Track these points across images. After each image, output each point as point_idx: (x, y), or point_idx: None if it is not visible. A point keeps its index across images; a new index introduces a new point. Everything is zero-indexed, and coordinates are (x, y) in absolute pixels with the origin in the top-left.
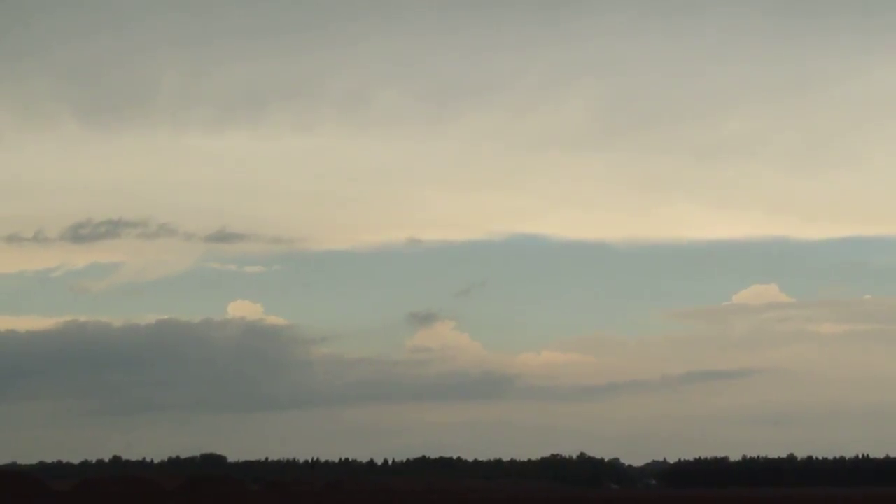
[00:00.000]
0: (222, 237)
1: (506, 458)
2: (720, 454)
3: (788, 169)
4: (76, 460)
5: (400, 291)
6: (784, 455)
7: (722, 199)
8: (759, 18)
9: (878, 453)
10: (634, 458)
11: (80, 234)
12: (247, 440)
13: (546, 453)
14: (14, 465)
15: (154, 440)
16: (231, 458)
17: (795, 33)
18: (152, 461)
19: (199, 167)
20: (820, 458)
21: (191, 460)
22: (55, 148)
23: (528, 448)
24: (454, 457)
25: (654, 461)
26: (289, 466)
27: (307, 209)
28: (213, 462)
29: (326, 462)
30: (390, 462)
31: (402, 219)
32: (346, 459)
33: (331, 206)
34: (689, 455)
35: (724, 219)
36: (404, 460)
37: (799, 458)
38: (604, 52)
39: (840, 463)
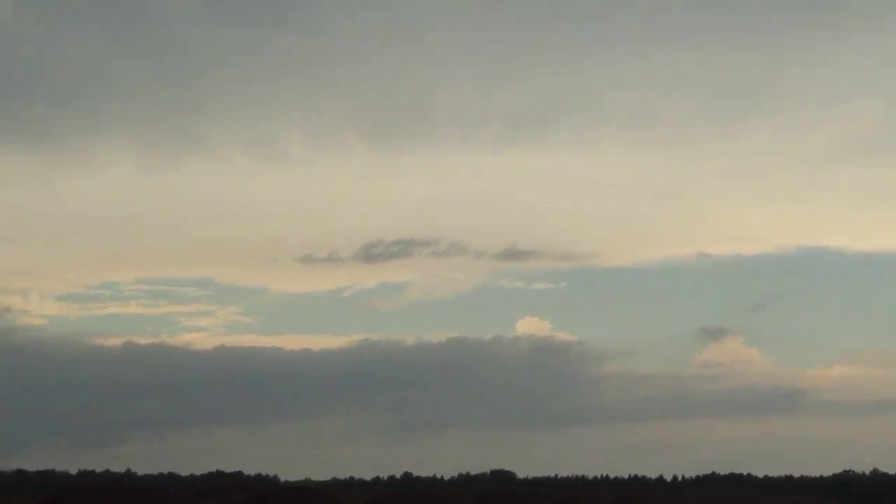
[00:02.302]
0: (512, 255)
1: (797, 475)
2: None
3: None
4: (368, 476)
5: (689, 306)
6: None
7: None
8: None
9: None
10: None
11: (372, 253)
12: (536, 456)
13: (838, 469)
14: (308, 480)
15: (444, 457)
16: (520, 475)
17: None
18: (442, 477)
19: (487, 185)
20: None
21: (480, 477)
22: (344, 168)
23: (819, 464)
24: (744, 472)
25: None
26: (578, 483)
27: (594, 225)
28: (502, 478)
29: (616, 478)
30: (679, 478)
31: (691, 233)
32: (636, 475)
33: (618, 221)
34: None
35: None
36: (694, 476)
37: None
38: (892, 63)
39: None
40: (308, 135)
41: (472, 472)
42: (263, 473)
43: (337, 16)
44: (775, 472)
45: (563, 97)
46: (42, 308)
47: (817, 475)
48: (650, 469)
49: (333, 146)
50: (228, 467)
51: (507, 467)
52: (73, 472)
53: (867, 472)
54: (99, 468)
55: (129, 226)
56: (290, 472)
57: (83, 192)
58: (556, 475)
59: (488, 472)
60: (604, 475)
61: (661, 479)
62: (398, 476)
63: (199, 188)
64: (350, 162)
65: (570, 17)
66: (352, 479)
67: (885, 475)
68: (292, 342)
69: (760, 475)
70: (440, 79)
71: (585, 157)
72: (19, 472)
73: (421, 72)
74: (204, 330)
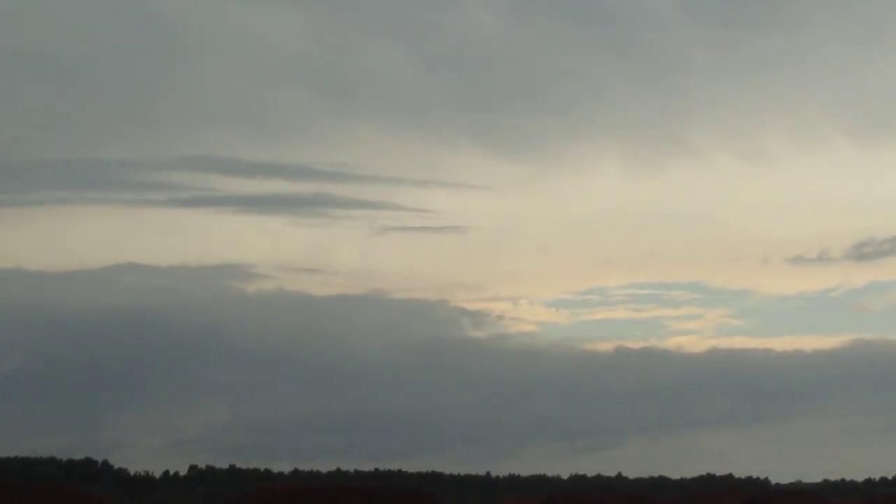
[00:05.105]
0: None
1: None
2: None
3: None
4: (860, 478)
5: None
6: None
7: None
8: None
9: None
10: None
11: (863, 252)
12: None
13: None
14: (799, 483)
15: None
16: None
17: None
18: None
19: None
20: None
21: None
22: (830, 166)
23: None
24: None
25: None
26: None
27: None
28: None
29: None
30: None
31: None
32: None
33: None
34: None
35: None
36: None
37: None
38: None
39: None
40: (792, 133)
41: None
42: (754, 476)
43: (818, 13)
44: None
45: None
46: (533, 314)
47: None
48: None
49: (817, 144)
50: (719, 470)
51: None
52: (565, 476)
53: None
54: (590, 472)
55: (616, 231)
56: (781, 475)
57: (571, 199)
58: None
59: None
60: None
61: None
62: (890, 477)
63: (685, 191)
64: (836, 160)
65: None
66: (843, 480)
67: None
68: (783, 343)
69: None
70: None
71: None
72: (512, 476)
73: None
74: (693, 333)
